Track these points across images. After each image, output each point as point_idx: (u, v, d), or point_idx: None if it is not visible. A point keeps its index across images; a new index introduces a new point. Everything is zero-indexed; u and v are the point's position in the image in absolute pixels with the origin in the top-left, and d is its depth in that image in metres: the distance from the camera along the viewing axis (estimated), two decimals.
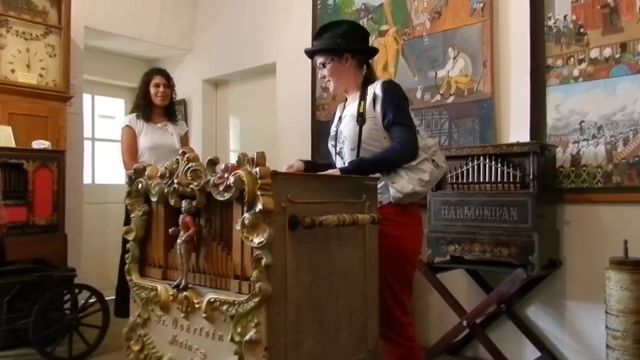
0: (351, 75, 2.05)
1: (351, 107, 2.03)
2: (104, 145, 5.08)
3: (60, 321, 3.11)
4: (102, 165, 5.07)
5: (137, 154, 3.40)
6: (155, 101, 3.43)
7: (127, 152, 3.41)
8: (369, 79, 2.06)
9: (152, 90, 3.43)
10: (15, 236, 3.11)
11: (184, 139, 3.57)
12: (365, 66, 2.09)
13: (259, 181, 1.32)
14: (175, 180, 1.55)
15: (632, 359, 2.31)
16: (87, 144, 4.71)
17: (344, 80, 2.05)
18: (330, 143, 2.12)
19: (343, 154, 2.00)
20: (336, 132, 2.07)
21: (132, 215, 1.74)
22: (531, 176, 2.62)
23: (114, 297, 3.42)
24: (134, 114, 3.47)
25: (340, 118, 2.09)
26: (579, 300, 2.80)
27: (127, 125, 3.44)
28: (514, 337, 2.95)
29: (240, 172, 1.35)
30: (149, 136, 3.41)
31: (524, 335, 2.89)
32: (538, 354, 2.81)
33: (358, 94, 2.02)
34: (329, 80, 2.05)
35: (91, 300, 3.21)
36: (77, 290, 3.25)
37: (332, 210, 1.48)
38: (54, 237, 3.34)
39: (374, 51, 2.16)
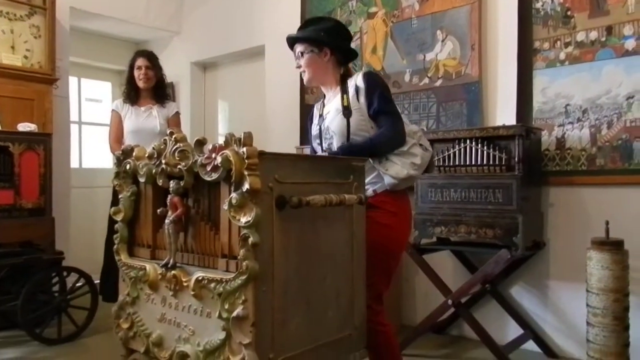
0: (328, 71, 2.03)
1: (333, 102, 2.02)
2: (91, 129, 5.04)
3: (49, 303, 3.12)
4: (90, 149, 5.03)
5: (122, 137, 3.41)
6: (139, 84, 3.42)
7: (113, 135, 3.46)
8: (347, 75, 2.06)
9: (135, 72, 3.42)
10: (2, 219, 3.10)
11: (173, 121, 3.53)
12: (342, 67, 2.06)
13: (246, 161, 1.32)
14: (163, 161, 1.56)
15: (610, 335, 2.37)
16: (73, 128, 4.67)
17: (319, 73, 2.03)
18: (315, 142, 2.10)
19: (332, 150, 1.99)
20: (320, 129, 2.06)
21: (120, 196, 1.74)
22: (516, 159, 2.65)
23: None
24: (121, 99, 3.50)
25: (321, 116, 2.08)
26: (561, 280, 2.86)
27: (113, 110, 3.50)
28: (497, 316, 3.01)
29: (227, 152, 1.35)
30: (132, 120, 3.42)
31: (508, 314, 2.95)
32: (521, 331, 2.88)
33: (338, 89, 2.02)
34: (304, 71, 2.03)
35: (78, 284, 3.22)
36: (65, 273, 3.26)
37: (319, 191, 1.49)
38: (42, 220, 3.32)
39: (354, 55, 2.12)
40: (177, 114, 3.62)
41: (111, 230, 3.34)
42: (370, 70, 2.07)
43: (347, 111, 1.92)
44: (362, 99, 1.93)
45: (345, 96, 1.95)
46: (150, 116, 3.45)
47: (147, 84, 3.43)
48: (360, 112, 1.92)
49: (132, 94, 3.44)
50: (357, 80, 1.97)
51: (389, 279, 1.94)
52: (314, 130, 2.11)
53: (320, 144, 2.05)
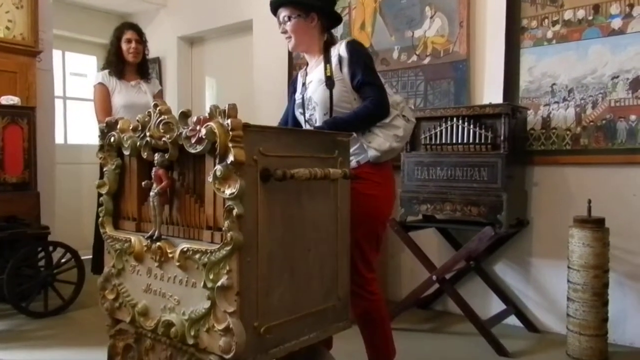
0: (314, 37, 1.99)
1: (315, 72, 2.00)
2: (76, 105, 4.97)
3: (35, 278, 3.12)
4: (75, 125, 4.97)
5: (111, 112, 3.33)
6: (128, 58, 3.34)
7: (102, 110, 3.32)
8: (331, 42, 2.03)
9: (124, 46, 3.33)
10: None
11: (157, 98, 3.50)
12: (326, 34, 2.03)
13: (231, 133, 1.32)
14: (148, 133, 1.55)
15: (590, 309, 2.43)
16: (58, 103, 4.60)
17: (305, 39, 1.99)
18: (298, 111, 2.08)
19: (314, 121, 1.98)
20: (302, 98, 2.03)
21: (104, 169, 1.74)
22: (502, 137, 2.67)
23: (89, 257, 3.42)
24: (106, 71, 3.38)
25: (304, 84, 2.05)
26: (544, 258, 2.92)
27: (99, 83, 3.36)
28: (481, 291, 3.07)
29: (211, 124, 1.35)
30: (123, 94, 3.34)
31: (491, 290, 3.01)
32: (503, 307, 2.94)
33: (321, 57, 1.99)
34: (289, 37, 1.98)
35: (64, 259, 3.22)
36: (51, 248, 3.25)
37: (304, 165, 1.49)
38: (26, 195, 3.30)
39: (339, 20, 2.10)
40: (161, 91, 3.60)
41: (100, 206, 3.33)
42: (353, 39, 2.04)
43: (329, 82, 1.90)
44: (345, 69, 1.91)
45: (328, 66, 1.93)
46: (140, 91, 3.39)
47: (136, 59, 3.36)
48: (343, 84, 1.91)
49: (119, 68, 3.35)
50: (340, 50, 1.95)
51: (378, 246, 1.97)
52: (297, 99, 2.09)
53: (303, 113, 2.04)
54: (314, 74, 2.00)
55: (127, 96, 3.34)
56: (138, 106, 3.25)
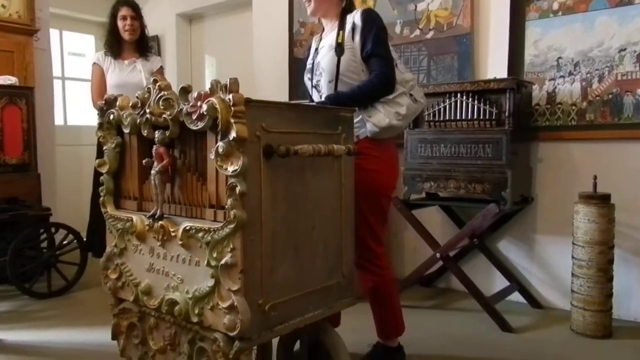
0: (333, 2, 1.97)
1: (329, 37, 1.97)
2: (75, 85, 4.91)
3: (38, 259, 3.12)
4: (74, 106, 4.92)
5: (105, 92, 3.29)
6: (124, 36, 3.28)
7: (95, 90, 3.32)
8: (348, 9, 2.00)
9: (120, 23, 3.27)
10: None
11: (157, 75, 3.43)
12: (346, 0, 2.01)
13: (233, 109, 1.29)
14: (148, 110, 1.52)
15: (594, 285, 2.43)
16: (57, 84, 4.55)
17: (324, 4, 1.97)
18: (307, 76, 2.07)
19: (320, 87, 1.97)
20: (312, 64, 2.02)
21: (104, 148, 1.71)
22: (507, 113, 2.63)
23: None
24: (102, 51, 3.35)
25: (316, 50, 2.03)
26: (548, 234, 2.90)
27: (94, 63, 3.34)
28: (484, 269, 3.07)
29: (213, 99, 1.32)
30: (115, 73, 3.30)
31: (494, 267, 3.00)
32: (507, 284, 2.94)
33: (336, 23, 1.96)
34: (309, 1, 1.97)
35: (66, 241, 3.21)
36: (53, 229, 3.24)
37: (307, 141, 1.47)
38: (27, 176, 3.28)
39: None
40: (162, 68, 3.52)
41: (96, 185, 3.31)
42: (370, 8, 2.00)
43: (339, 49, 1.88)
44: (357, 37, 1.88)
45: (341, 32, 1.90)
46: (134, 70, 3.34)
47: (132, 36, 3.30)
48: (352, 53, 1.88)
49: (115, 46, 3.30)
50: (355, 17, 1.92)
51: (385, 219, 1.96)
52: (308, 63, 2.08)
53: (311, 79, 2.03)
54: (327, 39, 1.98)
55: (120, 75, 3.30)
56: (129, 85, 3.19)
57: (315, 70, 2.00)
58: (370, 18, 1.90)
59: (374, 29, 1.88)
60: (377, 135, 1.87)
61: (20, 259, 3.04)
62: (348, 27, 1.91)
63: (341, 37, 1.89)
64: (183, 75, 4.78)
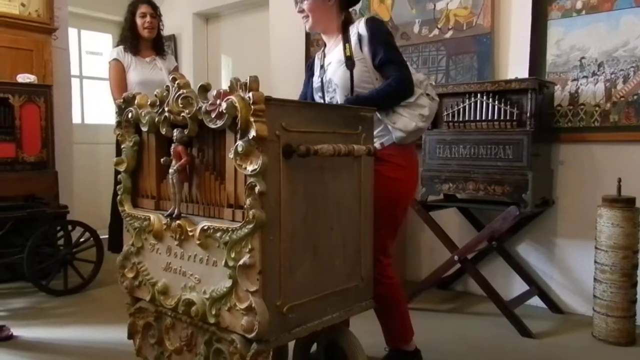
0: (332, 16, 1.91)
1: (334, 52, 1.92)
2: (93, 84, 4.95)
3: (54, 256, 3.13)
4: (92, 105, 4.96)
5: (126, 89, 3.29)
6: (143, 33, 3.28)
7: (117, 87, 3.28)
8: (349, 21, 1.95)
9: (139, 21, 3.27)
10: (4, 172, 3.07)
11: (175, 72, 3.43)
12: (344, 12, 1.95)
13: (252, 107, 1.27)
14: (166, 109, 1.51)
15: (618, 291, 2.36)
16: (75, 83, 4.59)
17: (323, 19, 1.91)
18: (317, 95, 2.01)
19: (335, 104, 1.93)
20: (321, 81, 1.96)
21: (122, 146, 1.70)
22: (528, 114, 2.58)
23: (106, 236, 3.42)
24: (120, 47, 3.33)
25: (322, 67, 1.97)
26: (569, 238, 2.84)
27: (115, 59, 3.31)
28: (503, 272, 3.01)
29: (232, 97, 1.30)
30: (138, 70, 3.29)
31: (513, 271, 2.95)
32: (526, 288, 2.88)
33: (340, 37, 1.91)
34: (307, 16, 1.91)
35: (83, 239, 3.23)
36: (70, 227, 3.26)
37: (327, 141, 1.45)
38: (44, 174, 3.30)
39: None
40: (177, 67, 3.54)
41: (117, 183, 3.31)
42: (372, 16, 1.95)
43: (349, 62, 1.83)
44: (366, 48, 1.83)
45: (347, 45, 1.85)
46: (155, 68, 3.35)
47: (151, 34, 3.30)
48: (364, 63, 1.83)
49: (134, 43, 3.29)
50: (359, 28, 1.87)
51: (396, 232, 1.92)
52: (315, 82, 2.01)
53: (323, 97, 1.96)
54: (333, 54, 1.92)
55: (143, 73, 3.29)
56: (153, 83, 3.18)
57: (326, 87, 1.94)
58: (375, 26, 1.86)
59: (382, 35, 1.84)
60: (404, 140, 1.84)
61: (37, 256, 3.06)
62: (354, 38, 1.86)
63: (349, 50, 1.84)
64: (199, 74, 4.78)
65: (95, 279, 3.24)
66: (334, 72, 1.89)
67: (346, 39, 1.87)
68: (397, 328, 1.96)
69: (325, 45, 2.02)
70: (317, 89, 2.01)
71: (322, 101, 1.98)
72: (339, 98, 1.89)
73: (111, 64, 3.32)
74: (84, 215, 3.73)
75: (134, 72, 3.29)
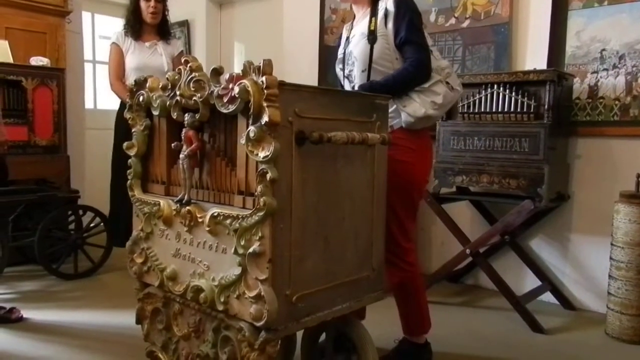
0: None
1: (361, 25, 1.90)
2: (106, 69, 4.90)
3: (65, 240, 3.14)
4: (104, 90, 4.94)
5: (123, 74, 3.24)
6: (146, 18, 3.20)
7: (113, 71, 3.24)
8: None
9: (143, 4, 3.19)
10: (17, 155, 3.08)
11: (178, 60, 3.29)
12: None
13: (265, 92, 1.24)
14: (178, 92, 1.48)
15: (633, 288, 2.32)
16: (88, 67, 4.58)
17: None
18: (338, 67, 2.00)
19: (352, 77, 1.90)
20: (344, 53, 1.96)
21: (133, 130, 1.68)
22: (546, 106, 2.52)
23: None
24: (122, 30, 3.26)
25: (348, 39, 1.96)
26: (584, 234, 2.79)
27: (113, 43, 3.26)
28: (515, 267, 2.97)
29: (245, 81, 1.27)
30: (135, 55, 3.22)
31: (526, 266, 2.91)
32: (538, 283, 2.84)
33: (368, 10, 1.89)
34: None
35: (93, 224, 3.24)
36: (81, 212, 3.26)
37: (340, 128, 1.41)
38: (56, 158, 3.31)
39: None
40: (182, 53, 3.44)
41: (116, 174, 3.28)
42: None
43: (372, 36, 1.81)
44: (390, 24, 1.81)
45: (373, 19, 1.83)
46: (155, 53, 3.26)
47: (154, 19, 3.22)
48: (386, 40, 1.81)
49: (136, 27, 3.21)
50: (387, 3, 1.84)
51: (414, 213, 1.90)
52: (339, 53, 2.01)
53: (343, 69, 1.96)
54: (359, 27, 1.91)
55: (140, 57, 3.21)
56: (149, 68, 3.10)
57: (347, 59, 1.93)
58: (404, 3, 1.82)
59: (408, 14, 1.80)
60: (412, 125, 1.81)
61: (48, 239, 3.07)
62: (380, 13, 1.84)
63: (373, 24, 1.82)
64: (212, 61, 4.75)
65: (105, 263, 3.25)
66: (355, 45, 1.88)
67: (374, 13, 1.85)
68: (415, 317, 1.94)
69: (354, 17, 2.00)
70: (339, 61, 2.00)
71: (341, 73, 1.97)
72: (356, 72, 1.86)
73: (111, 48, 3.27)
74: (95, 200, 3.74)
75: (131, 57, 3.22)
